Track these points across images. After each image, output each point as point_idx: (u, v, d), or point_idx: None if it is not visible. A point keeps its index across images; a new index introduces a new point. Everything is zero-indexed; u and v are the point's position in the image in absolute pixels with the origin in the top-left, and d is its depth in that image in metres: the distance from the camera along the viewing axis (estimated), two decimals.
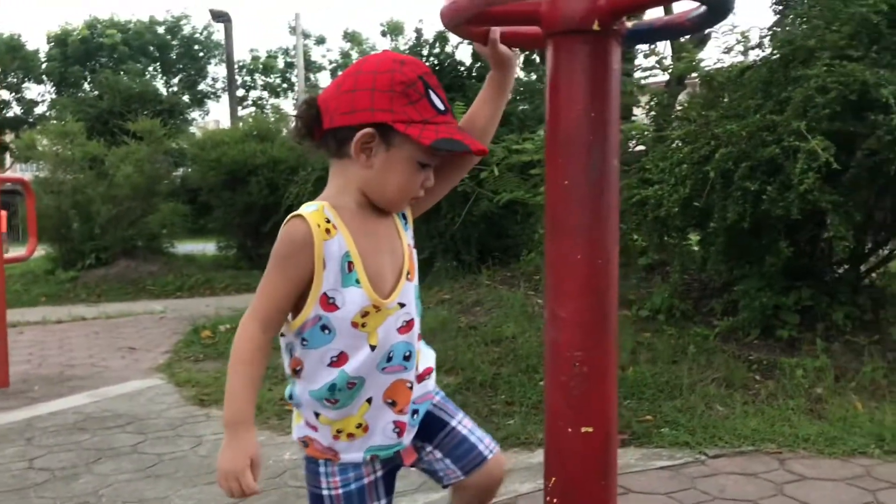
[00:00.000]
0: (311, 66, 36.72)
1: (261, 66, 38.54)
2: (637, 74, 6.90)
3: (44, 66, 34.19)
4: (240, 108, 29.68)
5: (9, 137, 29.78)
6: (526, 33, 1.43)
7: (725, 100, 4.92)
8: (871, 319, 4.56)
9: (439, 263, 7.51)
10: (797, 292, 4.54)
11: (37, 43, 68.98)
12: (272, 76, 39.02)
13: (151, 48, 35.82)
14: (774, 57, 4.61)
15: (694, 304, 5.21)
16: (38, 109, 34.49)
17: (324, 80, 37.81)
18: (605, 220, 1.21)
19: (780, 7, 8.44)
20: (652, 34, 1.31)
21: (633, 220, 4.87)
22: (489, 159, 6.73)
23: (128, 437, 3.78)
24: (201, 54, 37.11)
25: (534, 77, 9.86)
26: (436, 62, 8.33)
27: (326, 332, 1.42)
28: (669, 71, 6.82)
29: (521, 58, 9.84)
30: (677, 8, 1.34)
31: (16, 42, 33.23)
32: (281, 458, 3.35)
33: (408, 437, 1.55)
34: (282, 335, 1.49)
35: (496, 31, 1.42)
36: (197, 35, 37.05)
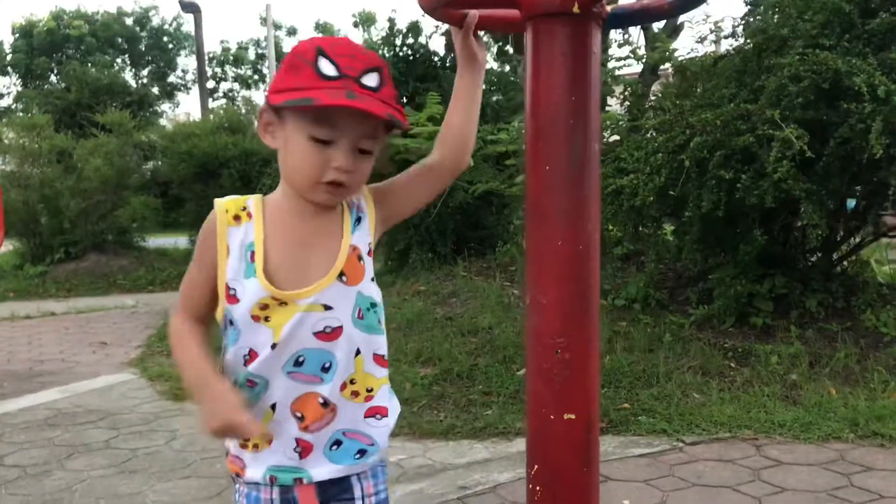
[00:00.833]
0: (282, 58, 36.45)
1: (231, 58, 38.14)
2: (611, 64, 6.91)
3: (9, 57, 33.57)
4: (210, 100, 29.35)
5: None
6: (504, 17, 1.40)
7: (699, 89, 4.95)
8: (844, 306, 4.62)
9: (415, 255, 7.48)
10: (771, 280, 4.58)
11: (1, 34, 67.81)
12: (243, 68, 38.64)
13: (119, 40, 35.25)
14: (748, 46, 4.64)
15: (669, 294, 5.24)
16: (4, 102, 33.89)
17: None
18: (587, 206, 1.20)
19: None
20: (632, 17, 1.30)
21: (608, 210, 4.88)
22: None
23: (100, 433, 3.72)
24: (170, 46, 36.63)
25: (507, 68, 9.86)
26: (409, 52, 8.29)
27: (233, 327, 1.33)
28: (643, 61, 6.85)
29: (495, 49, 9.81)
30: None
31: None
32: None
33: (314, 467, 1.34)
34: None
35: (473, 16, 1.38)
36: (166, 27, 36.58)
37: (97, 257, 10.26)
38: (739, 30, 5.06)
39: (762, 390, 3.79)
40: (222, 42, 47.62)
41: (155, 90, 33.55)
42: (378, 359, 1.39)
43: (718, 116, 4.16)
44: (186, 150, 10.78)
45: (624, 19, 1.30)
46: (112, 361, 5.35)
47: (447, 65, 8.43)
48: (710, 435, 3.35)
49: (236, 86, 38.53)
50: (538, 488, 1.25)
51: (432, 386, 4.12)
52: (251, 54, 38.76)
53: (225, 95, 37.23)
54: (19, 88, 33.50)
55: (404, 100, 7.58)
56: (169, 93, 36.06)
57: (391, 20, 8.88)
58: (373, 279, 1.39)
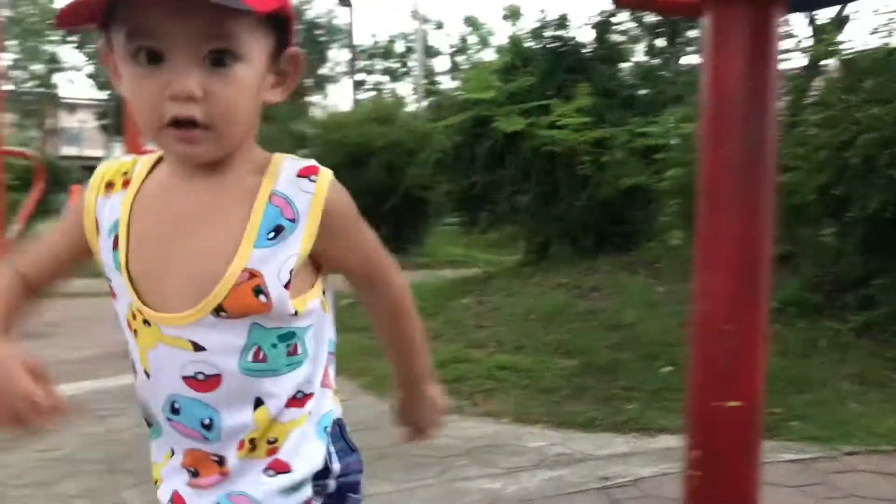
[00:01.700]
0: (430, 52, 37.07)
1: (381, 51, 39.14)
2: None
3: None
4: (359, 91, 30.29)
5: None
6: (682, 0, 1.40)
7: (868, 84, 4.68)
8: None
9: (555, 247, 7.46)
10: None
11: None
12: (391, 60, 39.58)
13: None
14: None
15: (825, 298, 4.98)
16: None
17: (441, 64, 38.13)
18: (761, 191, 1.18)
19: None
20: (819, 0, 1.26)
21: None
22: (612, 143, 6.63)
23: None
24: (323, 39, 38.00)
25: (656, 62, 9.61)
26: (558, 45, 8.24)
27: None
28: (811, 53, 6.52)
29: (644, 44, 9.60)
30: None
31: None
32: None
33: None
34: None
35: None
36: (319, 20, 37.96)
37: None
38: None
39: None
40: (373, 35, 48.90)
41: (308, 81, 34.92)
42: (295, 402, 1.00)
43: (890, 112, 3.94)
44: (337, 140, 11.19)
45: (810, 2, 1.26)
46: None
47: (596, 57, 8.31)
48: (869, 446, 3.17)
49: (385, 78, 39.54)
50: (698, 474, 1.25)
51: (572, 377, 4.12)
52: (399, 47, 39.65)
53: (374, 88, 38.28)
54: None
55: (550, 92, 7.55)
56: (319, 84, 37.46)
57: (542, 10, 8.85)
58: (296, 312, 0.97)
